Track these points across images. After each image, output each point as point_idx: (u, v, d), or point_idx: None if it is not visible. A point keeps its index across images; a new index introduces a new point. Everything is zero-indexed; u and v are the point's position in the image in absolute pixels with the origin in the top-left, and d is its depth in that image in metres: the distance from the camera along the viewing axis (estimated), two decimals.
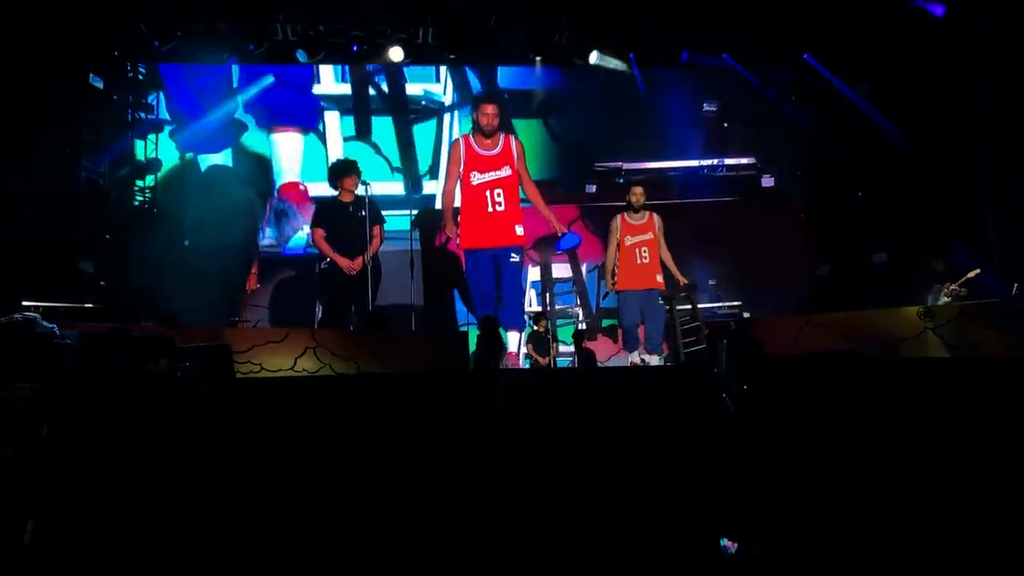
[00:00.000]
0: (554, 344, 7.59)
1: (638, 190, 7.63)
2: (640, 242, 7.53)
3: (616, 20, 9.07)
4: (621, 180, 9.57)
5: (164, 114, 9.16)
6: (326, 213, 7.22)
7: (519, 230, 6.74)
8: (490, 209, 6.65)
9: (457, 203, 6.82)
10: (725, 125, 10.12)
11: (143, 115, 8.88)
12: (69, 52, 7.57)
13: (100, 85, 8.15)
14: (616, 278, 7.55)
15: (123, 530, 2.45)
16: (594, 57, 9.44)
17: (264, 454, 3.13)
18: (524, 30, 9.19)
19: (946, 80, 8.00)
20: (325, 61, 9.41)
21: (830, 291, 8.80)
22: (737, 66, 9.59)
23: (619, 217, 7.64)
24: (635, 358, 7.42)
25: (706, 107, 10.11)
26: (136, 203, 8.77)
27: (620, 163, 9.84)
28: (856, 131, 9.13)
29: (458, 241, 6.76)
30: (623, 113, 9.67)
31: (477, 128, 6.76)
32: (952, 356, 5.28)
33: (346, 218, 7.05)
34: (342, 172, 7.17)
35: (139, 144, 8.88)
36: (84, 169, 8.03)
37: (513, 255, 6.79)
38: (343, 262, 6.88)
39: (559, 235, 7.05)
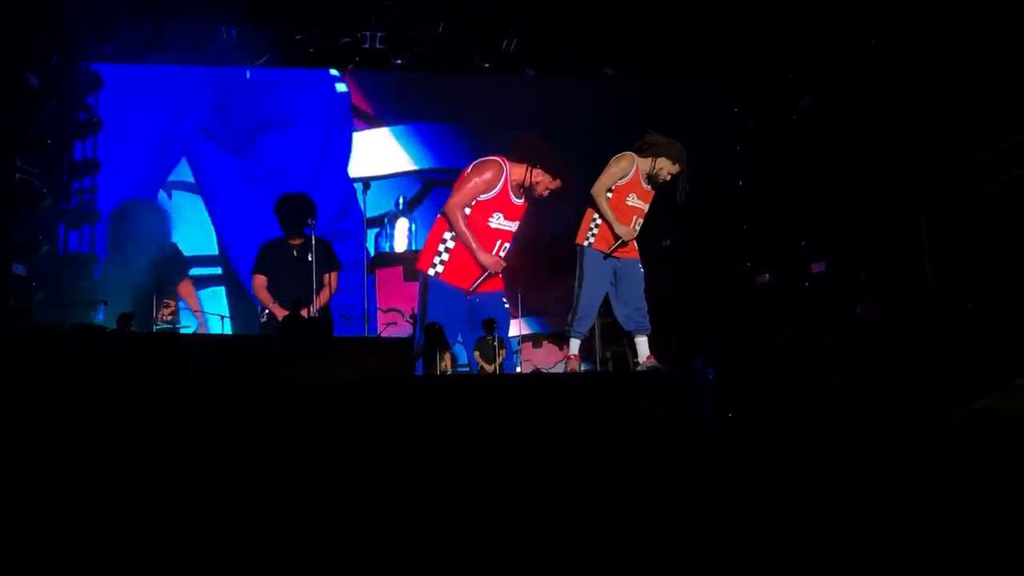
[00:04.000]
0: (501, 351, 7.59)
1: (666, 163, 5.60)
2: (640, 210, 5.75)
3: (567, 28, 9.12)
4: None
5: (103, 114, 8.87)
6: (270, 257, 6.37)
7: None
8: None
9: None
10: None
11: (82, 116, 8.62)
12: (3, 49, 7.37)
13: (36, 84, 7.93)
14: (595, 234, 5.70)
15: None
16: None
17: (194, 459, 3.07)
18: (473, 37, 9.20)
19: (887, 94, 8.21)
20: (269, 64, 9.29)
21: (771, 300, 8.97)
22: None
23: (636, 160, 5.63)
24: (572, 349, 5.94)
25: None
26: (73, 205, 8.54)
27: None
28: (797, 141, 9.31)
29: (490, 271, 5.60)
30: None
31: (524, 186, 5.50)
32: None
33: (292, 264, 6.21)
34: (291, 210, 6.28)
35: (77, 145, 8.60)
36: (18, 170, 7.79)
37: (504, 300, 5.91)
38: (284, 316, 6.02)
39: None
